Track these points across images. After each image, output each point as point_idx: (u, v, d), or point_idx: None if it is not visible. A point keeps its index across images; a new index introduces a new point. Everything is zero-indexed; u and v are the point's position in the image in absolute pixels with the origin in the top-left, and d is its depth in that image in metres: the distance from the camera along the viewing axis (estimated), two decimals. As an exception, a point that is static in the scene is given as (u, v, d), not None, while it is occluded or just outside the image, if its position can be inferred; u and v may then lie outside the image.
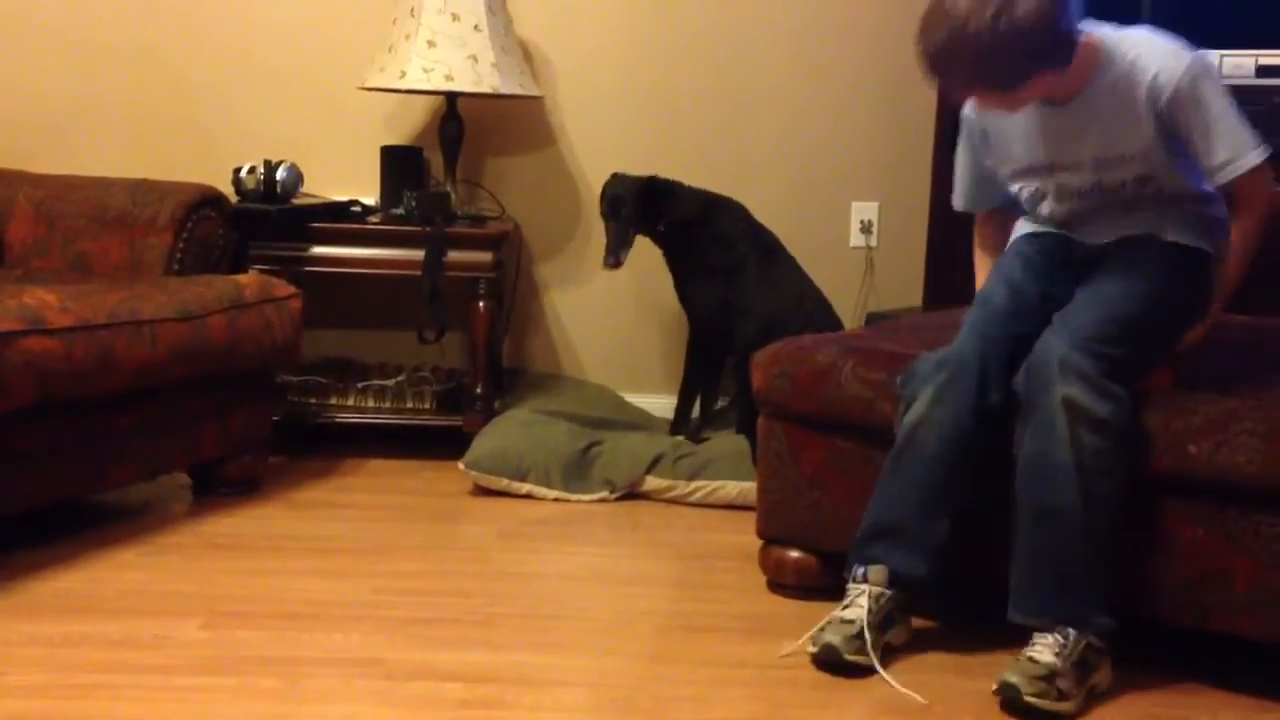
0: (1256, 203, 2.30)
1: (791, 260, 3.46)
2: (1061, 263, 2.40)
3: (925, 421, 2.28)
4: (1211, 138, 2.25)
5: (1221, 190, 2.31)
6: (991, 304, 2.37)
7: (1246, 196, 2.29)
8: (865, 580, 2.28)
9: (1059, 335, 2.20)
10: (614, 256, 3.42)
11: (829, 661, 2.22)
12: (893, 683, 2.17)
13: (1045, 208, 2.44)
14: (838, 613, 2.27)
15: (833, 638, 2.21)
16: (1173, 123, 2.26)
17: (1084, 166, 2.34)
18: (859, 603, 2.25)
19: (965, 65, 2.17)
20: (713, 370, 3.52)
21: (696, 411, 3.55)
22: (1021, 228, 2.52)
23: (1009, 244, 2.52)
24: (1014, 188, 2.47)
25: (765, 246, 3.45)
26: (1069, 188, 2.38)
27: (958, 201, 2.61)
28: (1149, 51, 2.26)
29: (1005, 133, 2.41)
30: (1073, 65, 2.22)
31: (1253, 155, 2.25)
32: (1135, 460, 2.16)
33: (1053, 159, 2.37)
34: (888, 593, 2.27)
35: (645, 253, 3.71)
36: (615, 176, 3.48)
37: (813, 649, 2.24)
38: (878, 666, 2.21)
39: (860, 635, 2.21)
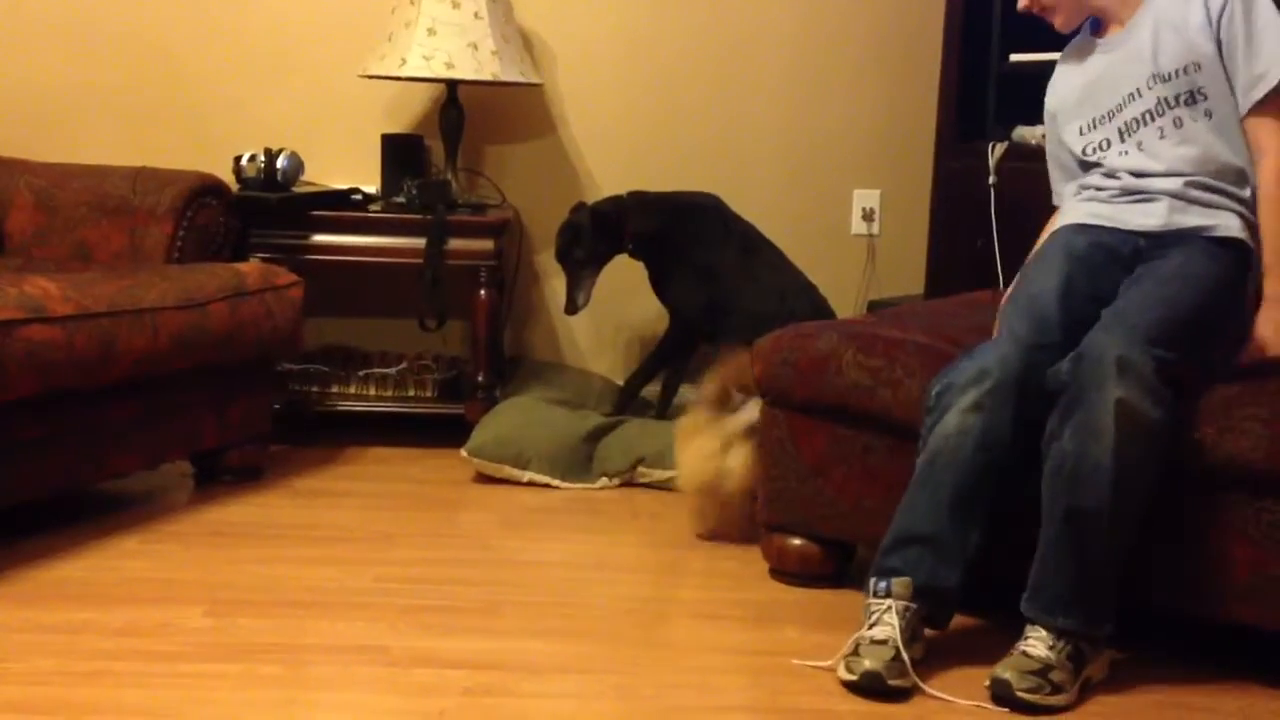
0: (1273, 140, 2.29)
1: (773, 251, 3.44)
2: (1110, 258, 2.34)
3: (962, 429, 2.18)
4: (1255, 44, 2.28)
5: (1255, 116, 2.30)
6: (1038, 308, 2.28)
7: (1264, 133, 2.29)
8: (889, 595, 2.17)
9: (1115, 332, 2.12)
10: (571, 304, 3.43)
11: (871, 688, 2.09)
12: (941, 696, 2.10)
13: (1112, 157, 2.42)
14: (865, 633, 2.15)
15: (874, 664, 2.08)
16: (1223, 30, 2.29)
17: (1143, 92, 2.37)
18: (887, 620, 2.14)
19: None
20: (685, 356, 3.52)
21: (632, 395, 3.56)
22: (1068, 215, 2.47)
23: (1054, 233, 2.47)
24: (1082, 149, 2.46)
25: (743, 240, 3.42)
26: (1133, 120, 2.39)
27: (1055, 199, 2.61)
28: None
29: (1068, 99, 2.49)
30: None
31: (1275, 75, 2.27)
32: (1169, 464, 2.11)
33: (1117, 100, 2.40)
34: (913, 606, 2.16)
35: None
36: (570, 215, 3.46)
37: (850, 676, 2.10)
38: (922, 685, 2.11)
39: (898, 657, 2.10)
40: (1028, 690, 2.05)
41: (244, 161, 3.43)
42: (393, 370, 3.60)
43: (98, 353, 2.61)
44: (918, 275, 3.76)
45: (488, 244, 3.46)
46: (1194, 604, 2.18)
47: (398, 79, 3.54)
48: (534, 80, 3.60)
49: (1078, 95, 2.48)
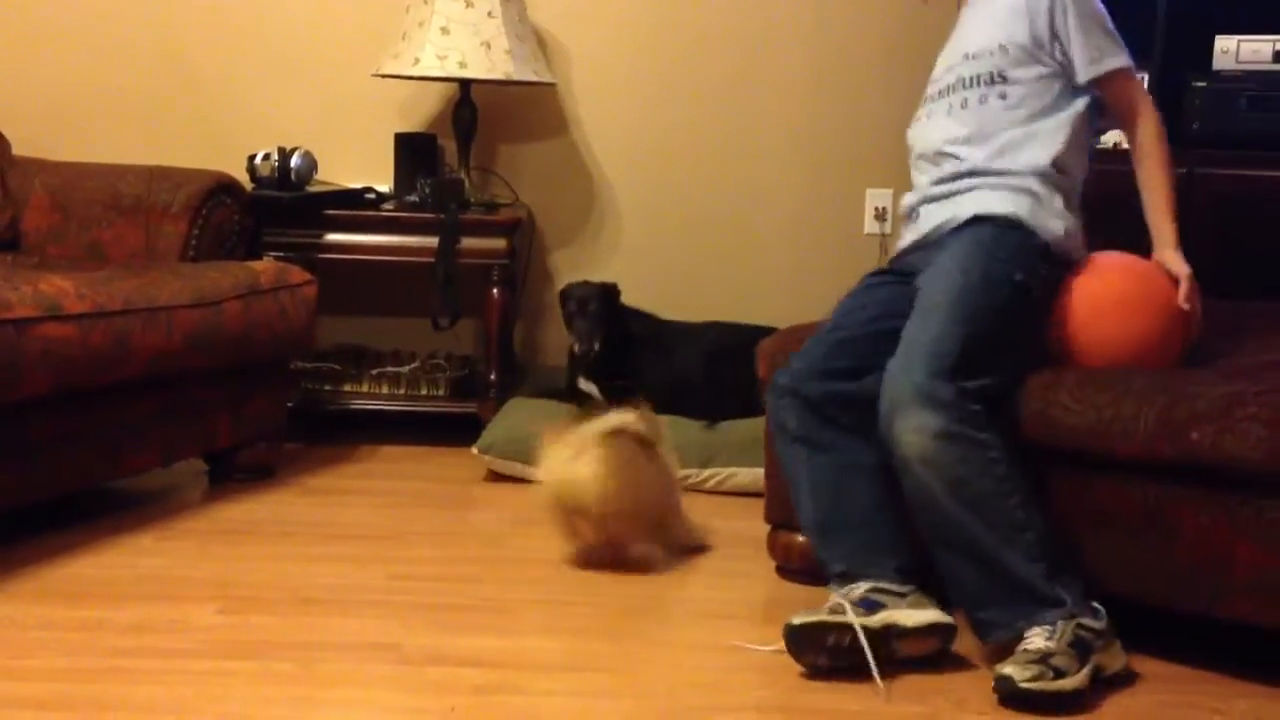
0: (1142, 104, 2.44)
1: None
2: (895, 283, 2.46)
3: (777, 424, 2.40)
4: (1086, 34, 2.40)
5: (1101, 96, 2.44)
6: (832, 326, 2.44)
7: (1129, 99, 2.44)
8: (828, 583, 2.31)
9: (900, 363, 2.21)
10: (588, 344, 3.43)
11: (788, 636, 2.14)
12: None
13: (920, 121, 2.55)
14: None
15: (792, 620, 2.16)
16: (1050, 19, 2.39)
17: (954, 66, 2.49)
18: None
19: None
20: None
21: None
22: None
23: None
24: (924, 97, 2.61)
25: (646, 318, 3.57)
26: (943, 89, 2.51)
27: None
28: None
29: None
30: None
31: (1122, 58, 2.41)
32: (1005, 446, 2.16)
33: (945, 66, 2.53)
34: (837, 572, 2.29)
35: (657, 245, 3.74)
36: (573, 286, 3.53)
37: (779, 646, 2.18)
38: (857, 628, 2.13)
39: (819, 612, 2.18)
40: (1030, 679, 2.04)
41: (258, 160, 3.44)
42: (405, 369, 3.61)
43: (112, 351, 2.62)
44: (929, 274, 3.76)
45: (500, 243, 3.47)
46: (1196, 603, 2.17)
47: (411, 78, 3.55)
48: (547, 79, 3.61)
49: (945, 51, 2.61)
